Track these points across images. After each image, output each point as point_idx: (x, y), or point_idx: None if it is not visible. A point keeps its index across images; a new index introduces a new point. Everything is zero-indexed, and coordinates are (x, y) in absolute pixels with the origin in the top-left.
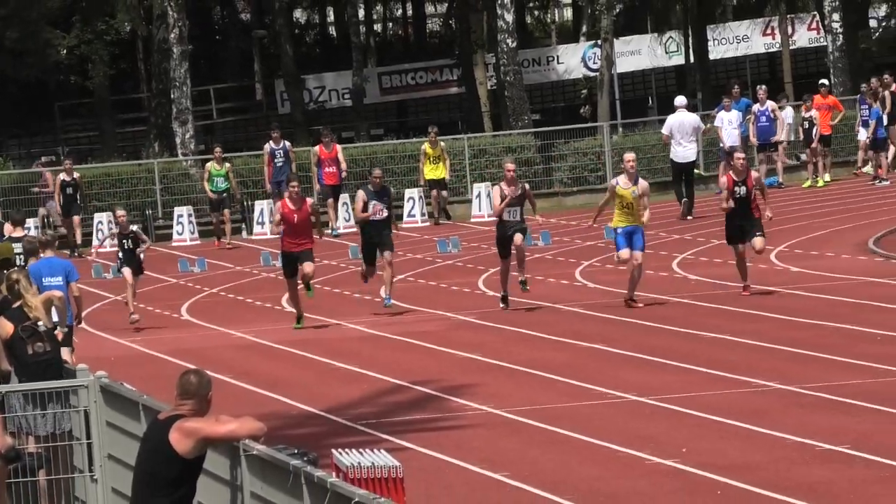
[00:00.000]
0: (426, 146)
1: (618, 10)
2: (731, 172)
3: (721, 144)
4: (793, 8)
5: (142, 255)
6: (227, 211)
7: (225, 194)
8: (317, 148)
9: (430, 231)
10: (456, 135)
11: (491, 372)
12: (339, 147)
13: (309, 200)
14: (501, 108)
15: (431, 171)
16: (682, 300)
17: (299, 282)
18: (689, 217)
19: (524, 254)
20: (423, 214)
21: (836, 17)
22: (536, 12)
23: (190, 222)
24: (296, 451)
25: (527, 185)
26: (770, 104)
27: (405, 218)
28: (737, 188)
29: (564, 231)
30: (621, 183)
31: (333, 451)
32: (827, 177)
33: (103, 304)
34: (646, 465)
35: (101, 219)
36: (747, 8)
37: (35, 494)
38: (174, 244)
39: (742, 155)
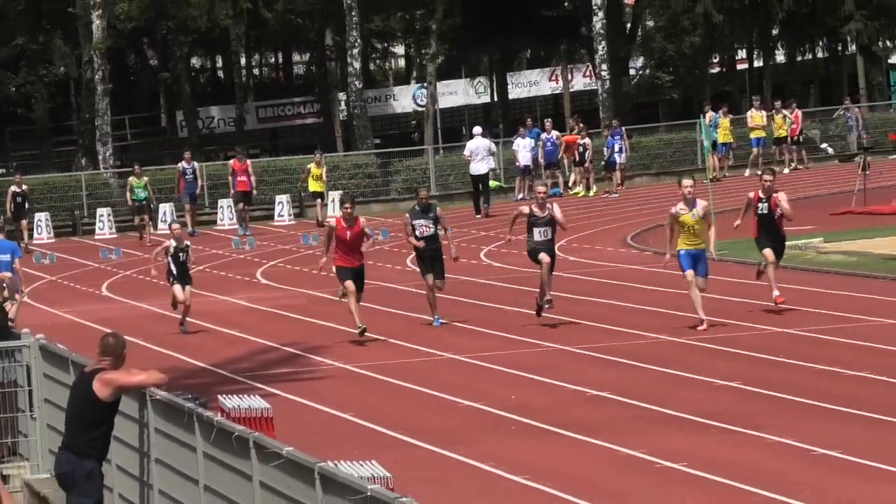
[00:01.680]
0: (312, 165)
1: (440, 60)
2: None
3: (517, 164)
4: (571, 59)
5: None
6: (146, 216)
7: (144, 201)
8: (231, 162)
9: (296, 227)
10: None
11: (342, 336)
12: (249, 162)
13: (361, 220)
14: (351, 134)
15: (314, 185)
16: (489, 281)
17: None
18: (479, 216)
19: (548, 276)
20: (290, 214)
21: (604, 66)
22: (378, 61)
23: (109, 220)
24: (189, 397)
25: (555, 209)
26: (554, 133)
27: (275, 217)
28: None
29: (399, 228)
30: (680, 209)
31: (219, 396)
32: (594, 189)
33: (41, 283)
34: (459, 406)
35: (41, 217)
36: (537, 59)
37: None
38: (96, 237)
39: (770, 178)
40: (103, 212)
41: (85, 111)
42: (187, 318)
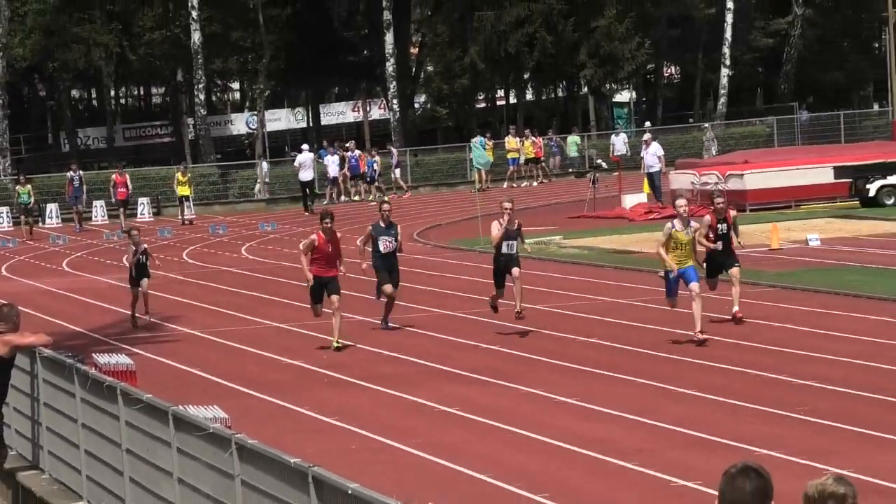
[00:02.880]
0: (179, 174)
1: (267, 94)
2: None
3: (327, 175)
4: (370, 95)
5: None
6: (31, 217)
7: (30, 204)
8: (114, 176)
9: (154, 224)
10: (169, 166)
11: (193, 309)
12: (128, 174)
13: (339, 234)
14: (197, 150)
15: (182, 189)
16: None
17: (324, 309)
18: (307, 213)
19: (521, 285)
20: (149, 213)
21: (395, 101)
22: (218, 93)
23: (8, 217)
24: (70, 354)
25: (520, 223)
26: (357, 152)
27: (138, 216)
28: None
29: (236, 225)
30: (676, 226)
31: (93, 354)
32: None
33: None
34: (283, 364)
35: None
36: (343, 94)
37: None
38: None
39: (721, 200)
40: (2, 210)
41: None
42: (143, 312)
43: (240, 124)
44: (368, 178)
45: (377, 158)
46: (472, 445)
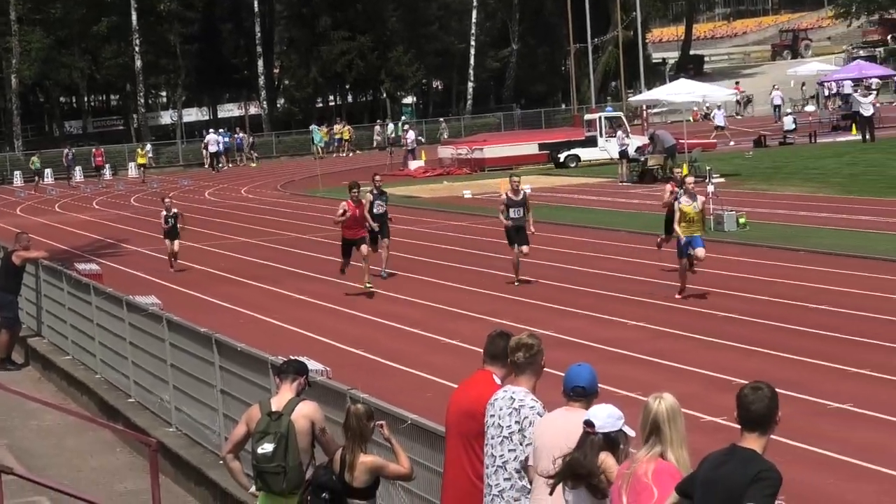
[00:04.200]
0: (139, 150)
1: (183, 98)
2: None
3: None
4: (249, 98)
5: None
6: (39, 178)
7: (39, 169)
8: (94, 150)
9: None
10: (120, 145)
11: (137, 235)
12: (103, 149)
13: (364, 202)
14: (140, 136)
15: (141, 160)
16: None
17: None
18: (214, 172)
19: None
20: (110, 175)
21: (265, 103)
22: (152, 98)
23: (20, 177)
24: (60, 263)
25: (527, 192)
26: (241, 134)
27: (107, 175)
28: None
29: (165, 182)
30: (683, 201)
31: (75, 264)
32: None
33: None
34: (204, 252)
35: None
36: (232, 97)
37: None
38: None
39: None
40: (17, 172)
41: None
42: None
43: (166, 118)
44: (238, 149)
45: (242, 136)
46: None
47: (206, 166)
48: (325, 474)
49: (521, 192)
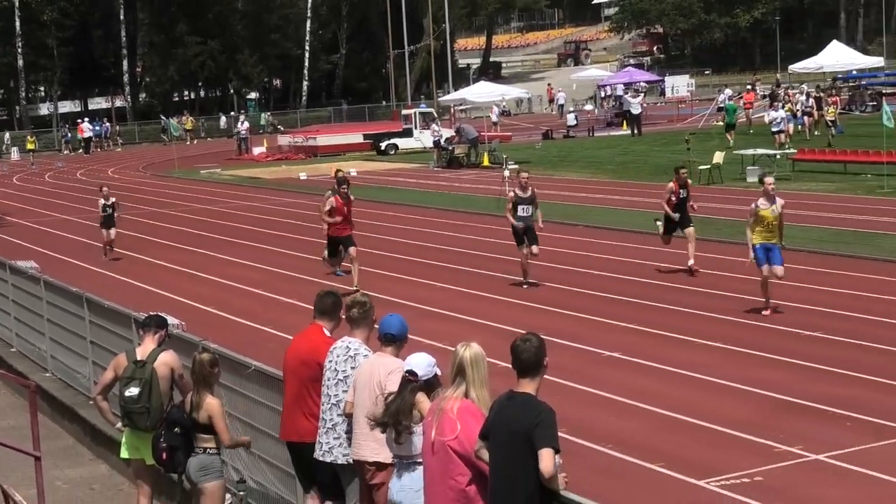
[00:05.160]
0: (29, 137)
1: (59, 93)
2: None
3: (83, 134)
4: (115, 93)
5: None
6: None
7: None
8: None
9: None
10: (5, 132)
11: (77, 211)
12: None
13: (352, 198)
14: (22, 125)
15: (30, 146)
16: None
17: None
18: (87, 154)
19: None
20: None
21: (129, 97)
22: (32, 92)
23: None
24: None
25: (535, 190)
26: (108, 124)
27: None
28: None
29: (44, 164)
30: (761, 204)
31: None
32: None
33: None
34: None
35: None
36: (102, 92)
37: None
38: None
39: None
40: None
41: None
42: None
43: (44, 110)
44: (106, 136)
45: (108, 125)
46: None
47: (71, 151)
48: (177, 412)
49: (530, 188)
